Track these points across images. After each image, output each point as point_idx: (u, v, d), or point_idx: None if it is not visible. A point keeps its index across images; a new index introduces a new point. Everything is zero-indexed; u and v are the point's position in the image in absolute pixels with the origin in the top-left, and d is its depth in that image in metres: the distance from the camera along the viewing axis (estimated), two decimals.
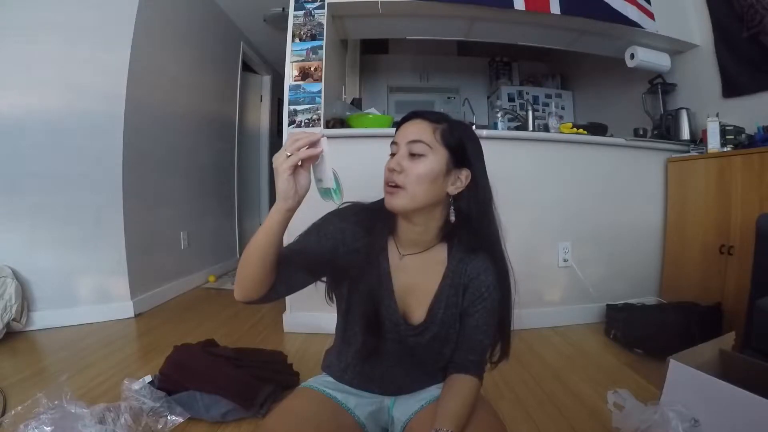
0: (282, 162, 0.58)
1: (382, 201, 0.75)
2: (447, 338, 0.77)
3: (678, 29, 2.32)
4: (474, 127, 2.23)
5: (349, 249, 0.74)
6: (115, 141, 2.10)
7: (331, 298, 0.83)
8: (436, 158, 0.69)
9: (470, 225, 0.73)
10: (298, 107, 1.92)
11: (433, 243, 0.77)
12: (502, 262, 0.76)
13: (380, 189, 0.79)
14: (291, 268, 0.70)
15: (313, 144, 0.59)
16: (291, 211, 0.61)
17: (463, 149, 0.72)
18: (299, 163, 0.59)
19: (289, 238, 0.70)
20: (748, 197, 1.72)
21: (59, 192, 1.99)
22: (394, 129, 0.76)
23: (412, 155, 0.69)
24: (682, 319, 1.64)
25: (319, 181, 0.63)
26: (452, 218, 0.74)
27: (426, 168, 0.69)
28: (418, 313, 0.77)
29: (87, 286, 2.08)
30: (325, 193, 0.63)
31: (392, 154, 0.73)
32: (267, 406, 1.18)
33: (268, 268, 0.65)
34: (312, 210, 0.73)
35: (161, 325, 2.05)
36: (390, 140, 0.75)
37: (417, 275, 0.77)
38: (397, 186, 0.69)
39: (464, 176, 0.72)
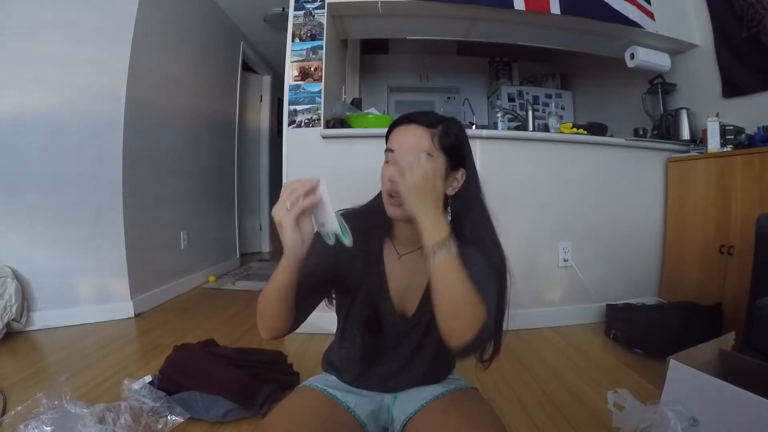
0: (284, 216, 0.57)
1: (373, 203, 0.75)
2: None
3: (678, 29, 2.32)
4: (474, 127, 2.25)
5: (348, 257, 0.74)
6: (115, 141, 2.10)
7: (330, 302, 0.83)
8: (435, 165, 0.69)
9: (464, 221, 0.73)
10: (298, 107, 1.92)
11: None
12: (496, 250, 0.75)
13: (379, 189, 0.79)
14: (305, 296, 0.70)
15: (311, 191, 0.57)
16: (301, 261, 0.61)
17: (459, 151, 0.72)
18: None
19: None
20: (748, 197, 1.72)
21: (59, 192, 1.99)
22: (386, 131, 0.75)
23: None
24: (682, 319, 1.64)
25: (321, 225, 0.61)
26: (448, 218, 0.74)
27: None
28: (414, 309, 0.78)
29: (87, 286, 2.08)
30: (329, 237, 0.62)
31: (388, 161, 0.72)
32: (267, 406, 1.18)
33: (289, 309, 0.66)
34: None
35: (161, 325, 2.05)
36: None
37: (412, 273, 0.77)
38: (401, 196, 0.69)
39: (460, 176, 0.73)
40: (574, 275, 2.08)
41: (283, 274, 0.62)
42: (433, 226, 0.59)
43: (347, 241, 0.60)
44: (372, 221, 0.76)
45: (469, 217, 0.73)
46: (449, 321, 0.61)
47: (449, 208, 0.74)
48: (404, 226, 0.75)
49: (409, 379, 0.82)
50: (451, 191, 0.72)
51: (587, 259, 2.10)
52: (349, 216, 0.78)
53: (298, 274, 0.62)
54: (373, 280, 0.76)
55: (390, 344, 0.79)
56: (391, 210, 0.71)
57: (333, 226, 0.59)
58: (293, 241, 0.58)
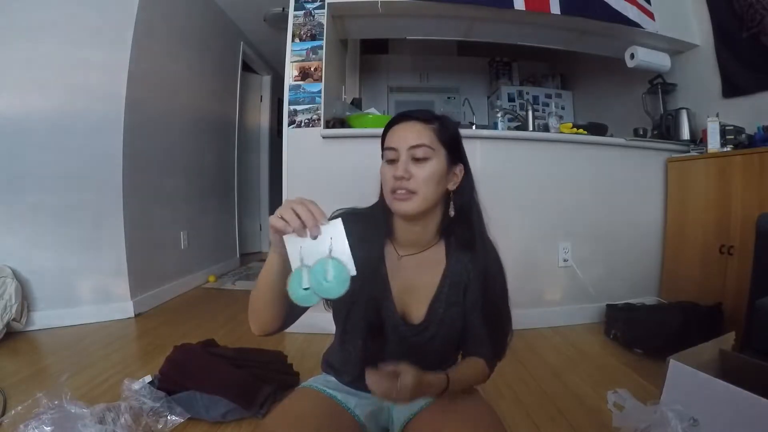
0: (274, 221, 0.57)
1: (374, 206, 0.75)
2: (448, 337, 0.77)
3: (678, 29, 2.32)
4: (474, 127, 2.25)
5: None
6: (115, 141, 2.10)
7: (328, 303, 0.82)
8: (438, 159, 0.70)
9: (463, 218, 0.74)
10: (298, 107, 1.92)
11: (432, 242, 0.77)
12: (492, 251, 0.77)
13: (379, 189, 0.79)
14: None
15: (314, 226, 0.56)
16: (285, 256, 0.60)
17: (457, 145, 0.73)
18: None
19: None
20: (748, 197, 1.72)
21: (59, 192, 1.99)
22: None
23: (416, 160, 0.69)
24: (682, 319, 1.64)
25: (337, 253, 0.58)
26: (452, 213, 0.75)
27: (432, 170, 0.69)
28: (417, 312, 0.77)
29: (87, 286, 2.08)
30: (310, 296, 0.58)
31: (389, 160, 0.72)
32: (267, 406, 1.19)
33: (280, 303, 0.66)
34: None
35: (161, 325, 2.05)
36: None
37: (415, 275, 0.77)
38: (409, 192, 0.69)
39: (459, 171, 0.74)
40: (574, 275, 2.07)
41: (269, 264, 0.64)
42: (440, 389, 0.68)
43: (352, 273, 0.58)
44: (372, 223, 0.76)
45: (466, 215, 0.74)
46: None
47: (452, 203, 0.74)
48: (405, 227, 0.75)
49: None
50: (452, 186, 0.73)
51: (587, 259, 2.09)
52: (348, 217, 0.78)
53: (284, 267, 0.62)
54: (375, 283, 0.76)
55: (392, 347, 0.78)
56: (396, 206, 0.70)
57: (346, 259, 0.58)
58: (275, 239, 0.61)
